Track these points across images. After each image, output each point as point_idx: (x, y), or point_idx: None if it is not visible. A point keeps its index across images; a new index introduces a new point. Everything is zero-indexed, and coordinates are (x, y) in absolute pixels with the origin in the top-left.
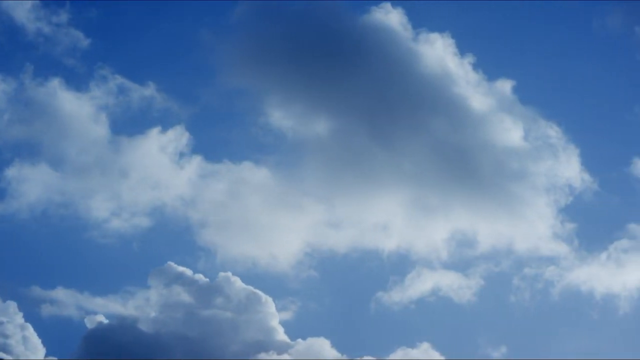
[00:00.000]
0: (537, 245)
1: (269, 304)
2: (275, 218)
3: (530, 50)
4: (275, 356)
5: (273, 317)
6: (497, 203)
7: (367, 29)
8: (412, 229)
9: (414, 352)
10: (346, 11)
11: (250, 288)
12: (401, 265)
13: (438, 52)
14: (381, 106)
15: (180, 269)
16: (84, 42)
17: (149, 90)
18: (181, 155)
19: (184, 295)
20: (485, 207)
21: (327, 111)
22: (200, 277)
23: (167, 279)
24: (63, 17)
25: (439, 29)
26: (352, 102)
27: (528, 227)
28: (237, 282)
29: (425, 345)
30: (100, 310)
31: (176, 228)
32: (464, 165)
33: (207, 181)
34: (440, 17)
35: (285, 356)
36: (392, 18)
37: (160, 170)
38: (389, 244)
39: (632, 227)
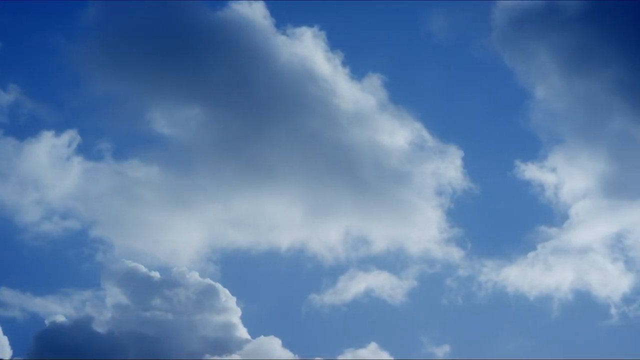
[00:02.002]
0: (429, 247)
1: (229, 300)
2: (170, 215)
3: (400, 50)
4: (227, 355)
5: (234, 312)
6: (385, 205)
7: (228, 24)
8: (310, 227)
9: (362, 352)
10: (201, 5)
11: (209, 281)
12: (300, 261)
13: (306, 48)
14: (253, 103)
15: (132, 264)
16: None
17: (14, 94)
18: (63, 157)
19: (138, 293)
20: (374, 209)
21: (202, 108)
22: (155, 274)
23: (120, 277)
24: None
25: (307, 23)
26: (225, 99)
27: (419, 230)
28: (194, 277)
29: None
30: (47, 310)
31: (71, 227)
32: (345, 164)
33: (97, 181)
34: (306, 12)
35: (235, 356)
36: (254, 12)
37: (45, 172)
38: (287, 242)
39: (543, 229)
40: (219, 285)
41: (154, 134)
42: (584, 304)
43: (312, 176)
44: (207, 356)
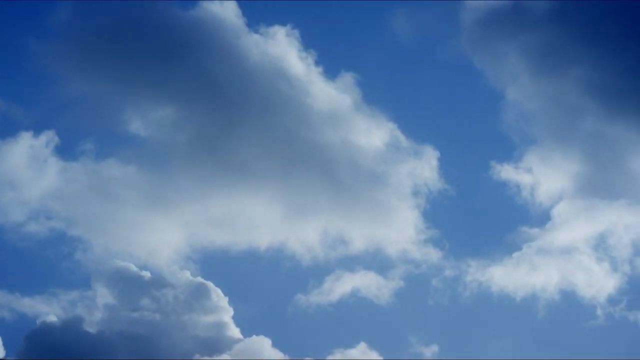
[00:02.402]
0: (407, 248)
1: (221, 298)
2: (149, 215)
3: (373, 50)
4: (217, 355)
5: (225, 312)
6: (362, 205)
7: (200, 23)
8: (288, 227)
9: (351, 352)
10: (173, 5)
11: (200, 280)
12: (280, 260)
13: (279, 47)
14: (226, 102)
15: (123, 264)
16: None
17: None
18: (41, 158)
19: (128, 293)
20: (351, 209)
21: (175, 108)
22: (146, 273)
23: (110, 277)
24: None
25: (279, 22)
26: (197, 99)
27: (396, 231)
28: (186, 276)
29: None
30: (36, 310)
31: (51, 227)
32: (321, 164)
33: (77, 181)
34: (278, 11)
35: (225, 356)
36: (226, 11)
37: (24, 173)
38: (265, 241)
39: (524, 229)
40: (210, 284)
41: (130, 134)
42: (569, 304)
43: (289, 176)
44: (197, 356)
